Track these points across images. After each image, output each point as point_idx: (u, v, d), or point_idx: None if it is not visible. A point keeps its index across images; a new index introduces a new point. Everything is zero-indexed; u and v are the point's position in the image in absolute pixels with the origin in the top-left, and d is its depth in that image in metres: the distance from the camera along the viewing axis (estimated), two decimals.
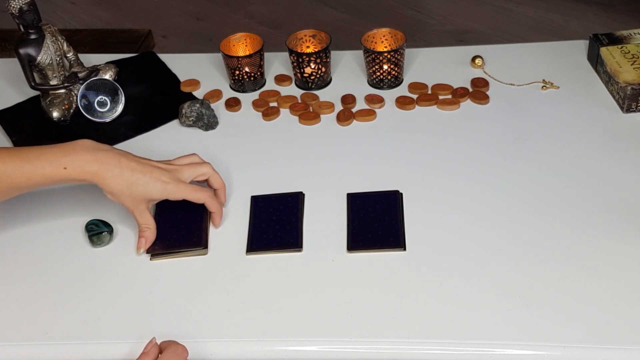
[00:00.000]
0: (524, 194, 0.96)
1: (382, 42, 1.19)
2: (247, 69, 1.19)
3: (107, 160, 0.87)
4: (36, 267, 0.92)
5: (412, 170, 1.02)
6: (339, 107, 1.16)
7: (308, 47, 1.21)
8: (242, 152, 1.08)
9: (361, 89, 1.19)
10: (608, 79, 1.13)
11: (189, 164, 0.94)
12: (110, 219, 0.96)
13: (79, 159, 0.86)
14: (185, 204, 0.92)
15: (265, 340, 0.81)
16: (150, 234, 0.91)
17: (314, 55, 1.17)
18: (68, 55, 1.18)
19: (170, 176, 0.90)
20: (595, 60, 1.17)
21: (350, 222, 0.93)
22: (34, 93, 1.21)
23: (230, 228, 0.95)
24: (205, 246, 0.91)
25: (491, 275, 0.85)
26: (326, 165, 1.04)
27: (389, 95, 1.17)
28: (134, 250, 0.92)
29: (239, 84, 1.21)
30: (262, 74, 1.22)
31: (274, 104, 1.18)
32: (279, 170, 1.04)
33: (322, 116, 1.14)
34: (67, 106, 1.16)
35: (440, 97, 1.15)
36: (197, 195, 0.91)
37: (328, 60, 1.19)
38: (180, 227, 0.93)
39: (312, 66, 1.18)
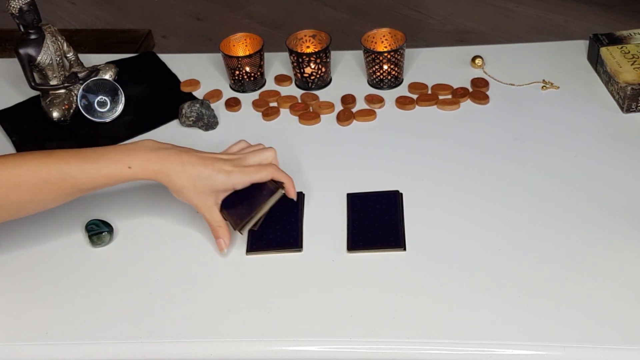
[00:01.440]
0: (524, 194, 0.96)
1: (382, 42, 1.19)
2: (247, 69, 1.19)
3: (170, 157, 0.86)
4: (36, 267, 0.92)
5: (412, 170, 1.02)
6: (339, 107, 1.16)
7: (308, 47, 1.21)
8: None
9: (361, 89, 1.19)
10: (608, 79, 1.13)
11: (254, 151, 0.92)
12: (110, 219, 0.96)
13: (142, 158, 0.85)
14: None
15: (265, 340, 0.81)
16: (224, 231, 0.89)
17: (314, 55, 1.17)
18: (68, 55, 1.18)
19: (233, 164, 0.89)
20: (595, 60, 1.17)
21: (350, 222, 0.93)
22: (34, 93, 1.21)
23: (230, 228, 0.95)
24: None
25: (491, 275, 0.85)
26: (326, 165, 1.04)
27: (389, 95, 1.17)
28: (128, 251, 0.92)
29: (239, 84, 1.21)
30: (262, 74, 1.22)
31: (274, 104, 1.18)
32: None
33: (322, 116, 1.14)
34: (67, 106, 1.16)
35: (440, 97, 1.15)
36: (263, 174, 0.89)
37: (328, 60, 1.19)
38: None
39: (312, 66, 1.18)
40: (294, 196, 0.92)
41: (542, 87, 1.16)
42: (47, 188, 0.83)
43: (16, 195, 0.82)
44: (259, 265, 0.90)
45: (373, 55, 1.16)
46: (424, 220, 0.93)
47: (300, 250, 0.90)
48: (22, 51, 1.12)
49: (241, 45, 1.22)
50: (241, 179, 0.88)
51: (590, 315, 0.80)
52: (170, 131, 1.14)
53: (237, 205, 0.90)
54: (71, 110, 1.16)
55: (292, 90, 1.21)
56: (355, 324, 0.81)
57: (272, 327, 0.82)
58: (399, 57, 1.16)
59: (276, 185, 0.90)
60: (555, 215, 0.92)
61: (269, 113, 1.15)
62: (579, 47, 1.23)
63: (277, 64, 1.27)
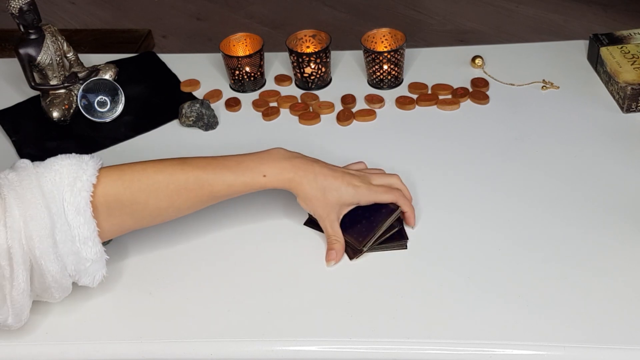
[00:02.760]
0: (523, 194, 0.96)
1: (382, 42, 1.19)
2: (247, 69, 1.19)
3: (302, 166, 0.87)
4: None
5: (412, 170, 1.02)
6: (339, 107, 1.16)
7: (308, 47, 1.21)
8: (242, 152, 1.08)
9: (361, 89, 1.19)
10: (608, 79, 1.13)
11: (379, 173, 0.94)
12: None
13: (277, 167, 0.86)
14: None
15: (265, 340, 0.81)
16: (340, 246, 0.89)
17: (314, 55, 1.17)
18: (68, 55, 1.18)
19: (361, 180, 0.90)
20: (595, 60, 1.17)
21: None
22: (34, 93, 1.21)
23: (229, 228, 0.95)
24: (361, 249, 0.89)
25: (491, 275, 0.85)
26: None
27: (389, 95, 1.17)
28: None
29: (239, 84, 1.21)
30: (262, 74, 1.22)
31: (274, 104, 1.18)
32: None
33: (322, 116, 1.14)
34: (67, 106, 1.16)
35: (440, 97, 1.15)
36: (389, 196, 0.90)
37: (328, 60, 1.19)
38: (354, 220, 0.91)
39: (312, 66, 1.18)
40: (413, 224, 0.92)
41: (542, 87, 1.16)
42: (185, 195, 0.84)
43: (155, 201, 0.82)
44: (259, 265, 0.90)
45: (373, 55, 1.16)
46: (424, 220, 0.93)
47: (361, 253, 0.89)
48: (22, 51, 1.12)
49: (241, 45, 1.23)
50: (367, 196, 0.89)
51: (590, 315, 0.80)
52: (170, 131, 1.14)
53: (355, 224, 0.90)
54: (71, 110, 1.16)
55: (292, 90, 1.21)
56: (355, 324, 0.81)
57: (272, 327, 0.82)
58: (399, 57, 1.16)
59: (394, 204, 0.91)
60: (556, 215, 0.92)
61: (269, 113, 1.15)
62: (579, 47, 1.23)
63: (277, 64, 1.27)
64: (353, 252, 0.89)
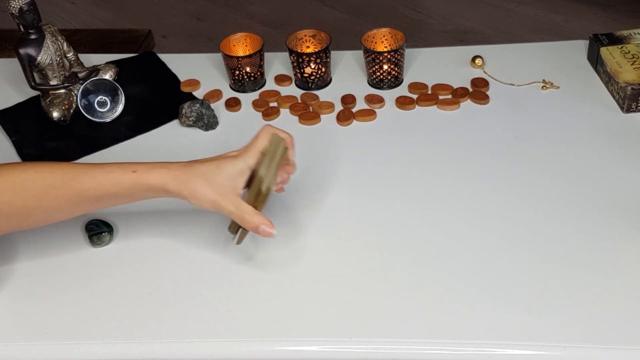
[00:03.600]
0: (524, 194, 0.96)
1: (382, 42, 1.19)
2: (247, 69, 1.19)
3: (175, 165, 0.82)
4: (36, 267, 0.92)
5: (412, 170, 1.02)
6: (339, 107, 1.16)
7: (308, 47, 1.21)
8: None
9: (361, 89, 1.19)
10: (608, 79, 1.13)
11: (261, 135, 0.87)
12: (110, 219, 0.96)
13: (148, 164, 0.82)
14: None
15: (265, 340, 0.81)
16: (260, 218, 0.81)
17: (314, 55, 1.17)
18: (68, 55, 1.18)
19: (239, 150, 0.85)
20: (595, 60, 1.17)
21: None
22: (34, 93, 1.22)
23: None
24: None
25: (491, 275, 0.85)
26: (326, 165, 1.04)
27: (389, 95, 1.17)
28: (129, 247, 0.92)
29: (239, 84, 1.21)
30: (262, 74, 1.22)
31: (274, 104, 1.18)
32: None
33: (322, 116, 1.14)
34: (67, 106, 1.16)
35: (440, 97, 1.15)
36: (261, 135, 0.85)
37: (328, 60, 1.19)
38: None
39: (312, 66, 1.18)
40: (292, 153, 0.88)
41: (542, 87, 1.16)
42: (52, 193, 0.81)
43: (21, 200, 0.80)
44: (259, 265, 0.90)
45: (373, 55, 1.16)
46: (424, 220, 0.93)
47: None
48: (22, 51, 1.12)
49: (241, 45, 1.23)
50: (250, 152, 0.83)
51: (590, 315, 0.80)
52: (170, 131, 1.14)
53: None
54: (71, 110, 1.16)
55: (292, 90, 1.21)
56: (355, 324, 0.81)
57: (272, 327, 0.82)
58: (399, 57, 1.16)
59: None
60: (555, 215, 0.92)
61: (269, 113, 1.15)
62: (579, 47, 1.23)
63: (277, 64, 1.27)
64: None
